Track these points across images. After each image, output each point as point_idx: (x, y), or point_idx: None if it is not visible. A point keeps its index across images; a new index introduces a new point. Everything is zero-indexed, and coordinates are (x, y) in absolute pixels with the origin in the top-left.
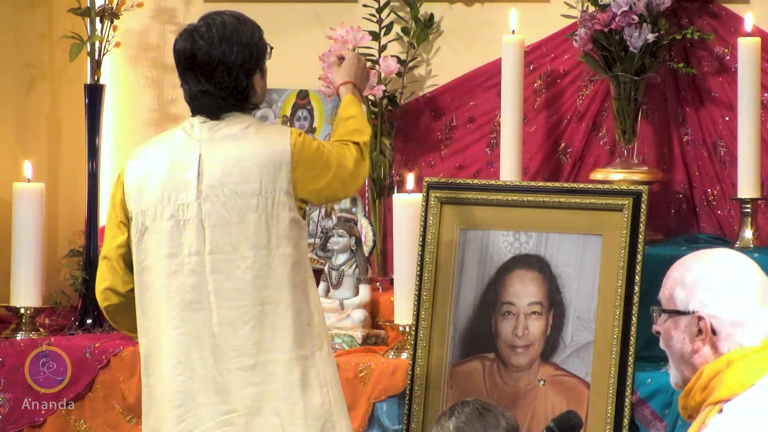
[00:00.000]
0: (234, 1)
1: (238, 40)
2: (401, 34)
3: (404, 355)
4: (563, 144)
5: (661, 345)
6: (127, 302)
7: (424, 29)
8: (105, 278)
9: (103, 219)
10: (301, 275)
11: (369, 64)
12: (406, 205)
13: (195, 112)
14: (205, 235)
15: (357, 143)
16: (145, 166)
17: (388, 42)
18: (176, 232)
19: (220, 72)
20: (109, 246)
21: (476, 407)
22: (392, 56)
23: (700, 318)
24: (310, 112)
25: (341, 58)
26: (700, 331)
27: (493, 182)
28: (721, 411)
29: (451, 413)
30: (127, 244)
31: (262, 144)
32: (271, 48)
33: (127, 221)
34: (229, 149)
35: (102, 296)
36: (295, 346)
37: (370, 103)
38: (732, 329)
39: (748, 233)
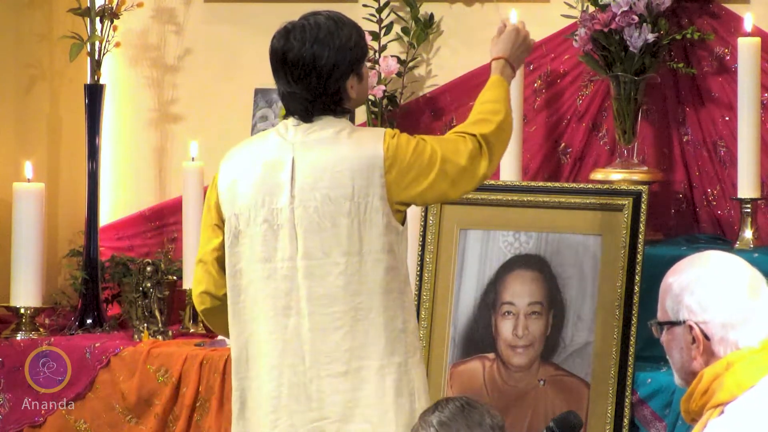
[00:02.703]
0: (235, 1)
1: (332, 43)
2: (401, 34)
3: None
4: (563, 144)
5: (667, 355)
6: (223, 305)
7: (424, 29)
8: (200, 281)
9: (103, 219)
10: (396, 281)
11: (369, 64)
12: None
13: (287, 112)
14: (298, 240)
15: (475, 135)
16: (239, 169)
17: (388, 42)
18: (270, 236)
19: (309, 75)
20: (204, 249)
21: (461, 403)
22: (392, 56)
23: (690, 326)
24: None
25: (503, 28)
26: (694, 340)
27: (493, 182)
28: (722, 413)
29: (435, 408)
30: (222, 247)
31: (355, 148)
32: (375, 51)
33: (221, 224)
34: (322, 153)
35: (198, 300)
36: (387, 352)
37: (370, 103)
38: (723, 331)
39: (748, 233)
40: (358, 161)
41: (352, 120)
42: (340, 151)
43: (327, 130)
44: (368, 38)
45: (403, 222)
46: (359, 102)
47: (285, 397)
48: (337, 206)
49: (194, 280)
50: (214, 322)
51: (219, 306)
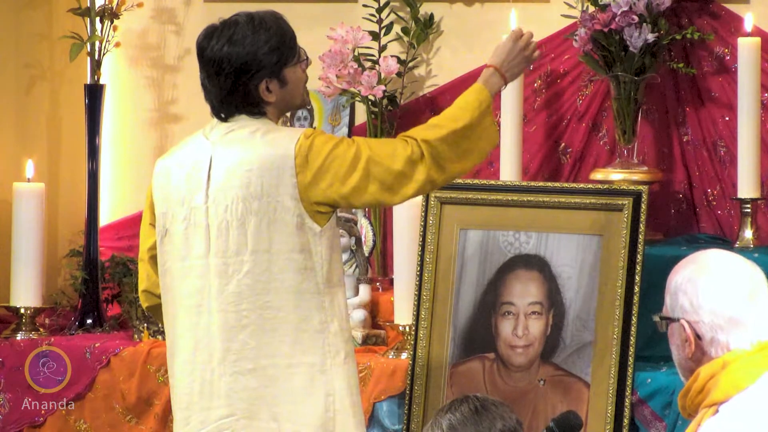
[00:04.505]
0: (235, 1)
1: (243, 44)
2: (401, 34)
3: (404, 355)
4: (563, 144)
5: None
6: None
7: (424, 29)
8: (141, 280)
9: (103, 219)
10: (310, 282)
11: (369, 63)
12: (406, 205)
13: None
14: (210, 238)
15: (416, 140)
16: (168, 168)
17: (388, 42)
18: (189, 234)
19: (219, 74)
20: (142, 248)
21: (474, 406)
22: (392, 56)
23: (683, 325)
24: (310, 112)
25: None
26: (686, 338)
27: (493, 182)
28: (716, 413)
29: (448, 408)
30: (156, 247)
31: (267, 148)
32: (307, 59)
33: (155, 223)
34: (235, 153)
35: (142, 297)
36: (298, 352)
37: (370, 103)
38: (713, 332)
39: (748, 233)
40: (268, 161)
41: (352, 120)
42: (252, 151)
43: (244, 129)
44: (368, 38)
45: (326, 222)
46: (285, 105)
47: (196, 395)
48: (246, 205)
49: (138, 278)
50: (159, 319)
51: (159, 304)
